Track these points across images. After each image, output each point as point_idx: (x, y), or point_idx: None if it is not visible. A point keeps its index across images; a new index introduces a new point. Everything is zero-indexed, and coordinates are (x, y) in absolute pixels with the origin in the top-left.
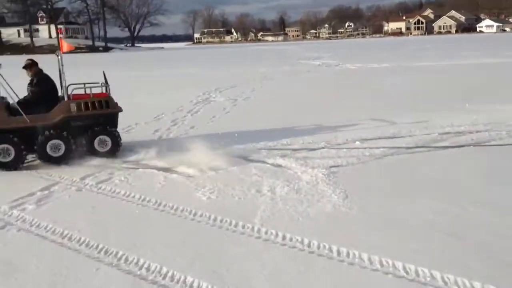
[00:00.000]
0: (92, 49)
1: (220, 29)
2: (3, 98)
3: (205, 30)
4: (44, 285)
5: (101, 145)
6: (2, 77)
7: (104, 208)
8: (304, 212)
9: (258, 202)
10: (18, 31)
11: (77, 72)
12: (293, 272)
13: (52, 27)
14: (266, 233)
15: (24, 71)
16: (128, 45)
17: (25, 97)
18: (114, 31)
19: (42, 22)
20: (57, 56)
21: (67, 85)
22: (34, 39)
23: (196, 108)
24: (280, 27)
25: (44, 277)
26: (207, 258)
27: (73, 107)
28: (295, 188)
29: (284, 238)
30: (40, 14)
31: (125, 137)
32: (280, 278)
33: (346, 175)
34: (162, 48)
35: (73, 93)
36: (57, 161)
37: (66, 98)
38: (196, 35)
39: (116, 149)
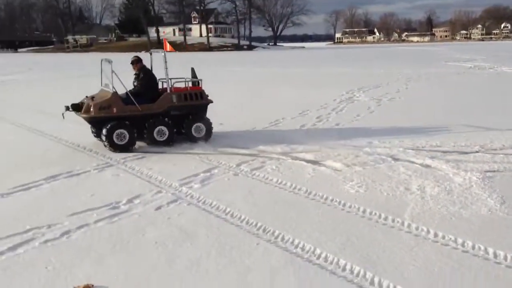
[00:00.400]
0: (237, 47)
1: (362, 29)
2: (107, 84)
3: (347, 29)
4: (213, 252)
5: (197, 131)
6: (114, 72)
7: (259, 192)
8: (457, 212)
9: (407, 199)
10: (174, 30)
11: (223, 69)
12: (446, 268)
13: (203, 26)
14: (416, 229)
15: (131, 66)
16: (270, 44)
17: (134, 88)
18: (257, 31)
19: (195, 22)
20: (150, 54)
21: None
22: (186, 37)
23: (340, 107)
24: (427, 27)
25: (213, 245)
26: (357, 245)
27: (174, 98)
28: (446, 189)
29: (436, 235)
30: (193, 15)
31: (273, 130)
32: (432, 270)
33: (504, 181)
34: (303, 47)
35: (174, 86)
36: (161, 144)
37: (168, 91)
38: (337, 35)
39: (209, 135)
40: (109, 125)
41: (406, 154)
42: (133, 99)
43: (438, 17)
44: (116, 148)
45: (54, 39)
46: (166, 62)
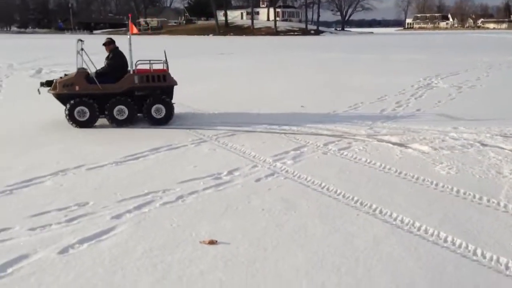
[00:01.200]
0: (304, 32)
1: (435, 14)
2: (84, 69)
3: (418, 15)
4: (317, 220)
5: (157, 113)
6: (85, 52)
7: (350, 170)
8: None
9: (500, 182)
10: (242, 13)
11: (291, 53)
12: None
13: (271, 10)
14: None
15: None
16: (338, 29)
17: (101, 68)
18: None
19: (263, 6)
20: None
21: (135, 61)
22: (254, 21)
23: (419, 93)
24: (505, 13)
25: (316, 214)
26: (455, 221)
27: (136, 79)
28: None
29: None
30: None
31: (354, 113)
32: None
33: None
34: (372, 32)
35: (138, 67)
36: (121, 123)
37: (131, 72)
38: (408, 20)
39: (169, 117)
40: (71, 102)
41: (494, 140)
42: (94, 78)
43: None
44: (77, 124)
45: (127, 22)
46: (130, 44)
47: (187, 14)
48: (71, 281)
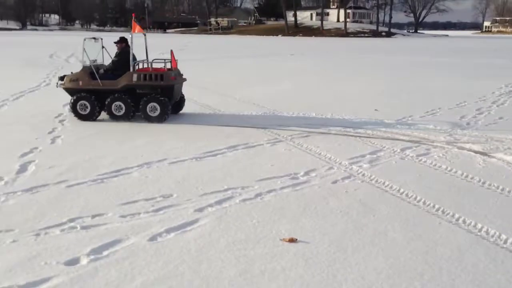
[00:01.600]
0: (375, 33)
1: None
2: (94, 61)
3: (497, 18)
4: (397, 225)
5: (151, 111)
6: (105, 49)
7: (429, 177)
8: None
9: None
10: (311, 14)
11: (362, 55)
12: None
13: (341, 11)
14: None
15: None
16: (410, 31)
17: (107, 65)
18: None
19: (333, 7)
20: (130, 36)
21: (137, 60)
22: (324, 22)
23: (501, 100)
24: None
25: (396, 219)
26: None
27: (135, 77)
28: None
29: None
30: None
31: (431, 119)
32: None
33: None
34: (447, 35)
35: (141, 67)
36: (120, 119)
37: (131, 70)
38: (486, 23)
39: (163, 117)
40: (75, 96)
41: None
42: (96, 74)
43: None
44: (78, 117)
45: (198, 21)
46: (131, 43)
47: (257, 14)
48: (161, 267)
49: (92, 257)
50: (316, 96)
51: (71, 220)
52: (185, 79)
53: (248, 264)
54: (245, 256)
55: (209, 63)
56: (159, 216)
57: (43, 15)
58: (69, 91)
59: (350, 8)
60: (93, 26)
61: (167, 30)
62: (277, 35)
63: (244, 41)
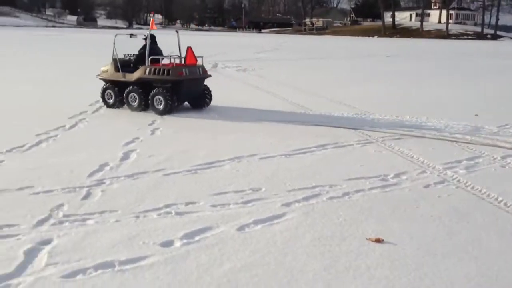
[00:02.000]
0: (479, 36)
1: None
2: (129, 55)
3: None
4: (493, 234)
5: (156, 103)
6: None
7: None
8: None
9: None
10: (410, 15)
11: (463, 57)
12: None
13: (443, 12)
14: None
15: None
16: None
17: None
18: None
19: (435, 7)
20: (144, 39)
21: (162, 56)
22: (424, 23)
23: None
24: None
25: (492, 227)
26: None
27: (147, 71)
28: None
29: None
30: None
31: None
32: None
33: None
34: None
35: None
36: (134, 109)
37: (146, 64)
38: None
39: (165, 110)
40: (104, 86)
41: None
42: (119, 66)
43: None
44: (106, 104)
45: (293, 21)
46: (147, 38)
47: (353, 15)
48: (248, 256)
49: (184, 241)
50: (410, 98)
51: (167, 206)
52: (209, 75)
53: (333, 260)
54: (330, 252)
55: (303, 64)
56: (248, 208)
57: (148, 15)
58: (103, 80)
59: (453, 9)
60: (192, 26)
61: (262, 30)
62: (373, 36)
63: (338, 41)
